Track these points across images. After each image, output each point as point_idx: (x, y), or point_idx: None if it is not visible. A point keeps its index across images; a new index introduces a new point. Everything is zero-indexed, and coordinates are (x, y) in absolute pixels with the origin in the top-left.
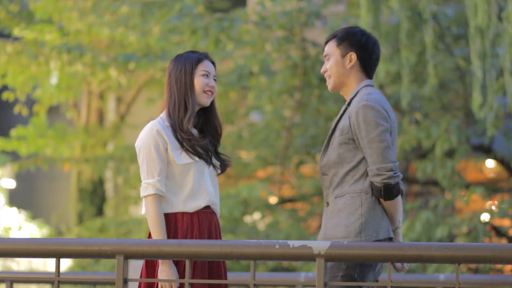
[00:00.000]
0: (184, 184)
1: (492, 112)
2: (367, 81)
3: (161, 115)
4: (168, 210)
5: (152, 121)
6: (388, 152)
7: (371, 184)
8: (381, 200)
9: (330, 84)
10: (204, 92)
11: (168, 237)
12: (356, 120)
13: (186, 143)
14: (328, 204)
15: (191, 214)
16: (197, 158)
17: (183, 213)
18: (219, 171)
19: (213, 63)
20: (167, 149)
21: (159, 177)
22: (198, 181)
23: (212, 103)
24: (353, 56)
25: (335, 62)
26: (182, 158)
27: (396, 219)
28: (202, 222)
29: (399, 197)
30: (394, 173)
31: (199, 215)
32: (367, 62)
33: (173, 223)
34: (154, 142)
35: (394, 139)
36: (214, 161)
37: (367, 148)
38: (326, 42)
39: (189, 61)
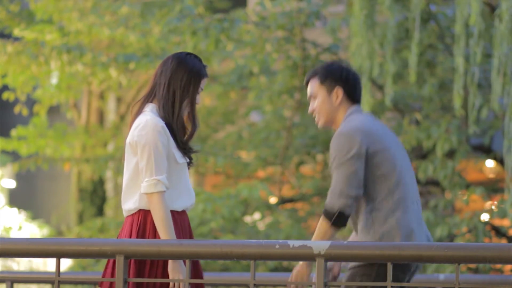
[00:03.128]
0: (177, 182)
1: (474, 110)
2: (352, 108)
3: (150, 109)
4: None
5: (151, 117)
6: (353, 179)
7: (325, 204)
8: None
9: (320, 121)
10: None
11: (145, 235)
12: (330, 149)
13: (184, 152)
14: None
15: (178, 213)
16: (187, 159)
17: (173, 211)
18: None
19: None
20: (167, 145)
21: (166, 174)
22: (186, 181)
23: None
24: (339, 91)
25: (322, 101)
26: (181, 157)
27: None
28: (185, 222)
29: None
30: (351, 203)
31: (183, 214)
32: (353, 93)
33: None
34: (161, 138)
35: (387, 152)
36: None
37: (334, 173)
38: (307, 82)
39: (197, 75)
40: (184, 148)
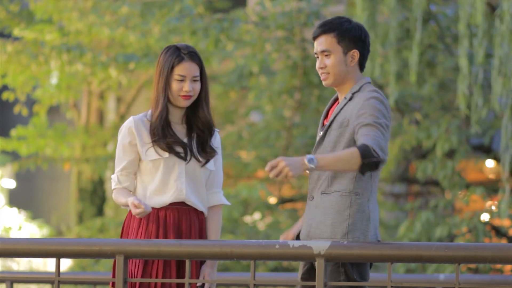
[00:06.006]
0: (153, 179)
1: (477, 110)
2: (367, 78)
3: (149, 110)
4: None
5: (130, 118)
6: (386, 144)
7: (370, 145)
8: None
9: (328, 80)
10: (180, 96)
11: (129, 230)
12: (365, 103)
13: (154, 143)
14: (312, 197)
15: (157, 210)
16: (166, 154)
17: (153, 208)
18: (205, 164)
19: (198, 60)
20: (136, 145)
21: (121, 171)
22: (166, 176)
23: (199, 100)
24: (356, 53)
25: (337, 60)
26: (148, 155)
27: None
28: (169, 218)
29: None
30: (382, 163)
31: (167, 211)
32: (365, 57)
33: (140, 218)
34: (125, 139)
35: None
36: (199, 156)
37: (374, 127)
38: (319, 35)
39: (167, 64)
40: (163, 142)
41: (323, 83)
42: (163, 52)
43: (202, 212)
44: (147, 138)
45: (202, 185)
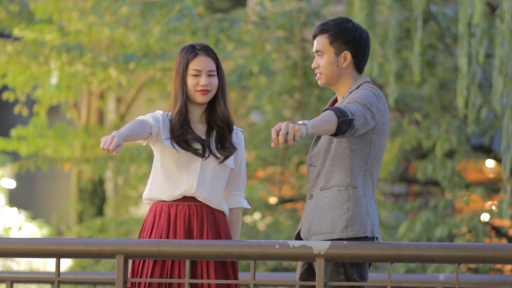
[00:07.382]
0: (166, 172)
1: (474, 109)
2: (366, 78)
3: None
4: (153, 196)
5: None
6: (366, 116)
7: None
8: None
9: (321, 80)
10: (197, 91)
11: (145, 227)
12: (356, 94)
13: (172, 139)
14: (312, 196)
15: (169, 205)
16: (183, 151)
17: (162, 202)
18: (223, 161)
19: (214, 55)
20: (160, 125)
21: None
22: (179, 171)
23: (216, 96)
24: (347, 55)
25: (328, 61)
26: (165, 140)
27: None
28: (180, 214)
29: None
30: (355, 126)
31: (178, 207)
32: (361, 59)
33: (151, 212)
34: (153, 114)
35: (385, 139)
36: (217, 153)
37: (350, 103)
38: (316, 35)
39: (183, 61)
40: (181, 139)
41: (318, 82)
42: (179, 52)
43: (219, 211)
44: (168, 133)
45: (220, 182)
